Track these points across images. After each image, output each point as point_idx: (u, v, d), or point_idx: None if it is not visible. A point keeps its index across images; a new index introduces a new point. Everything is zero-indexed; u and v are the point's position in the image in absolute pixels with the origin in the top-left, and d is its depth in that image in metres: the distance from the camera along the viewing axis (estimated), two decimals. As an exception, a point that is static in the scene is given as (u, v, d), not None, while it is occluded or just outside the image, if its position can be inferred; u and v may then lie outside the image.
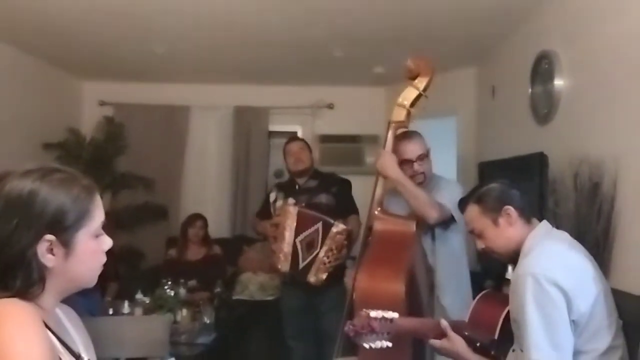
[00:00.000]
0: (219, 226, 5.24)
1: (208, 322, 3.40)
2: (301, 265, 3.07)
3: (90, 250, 1.05)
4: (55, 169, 1.05)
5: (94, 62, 4.93)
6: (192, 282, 4.05)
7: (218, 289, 4.00)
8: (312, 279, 3.03)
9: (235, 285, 4.36)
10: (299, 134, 5.67)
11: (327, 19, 3.64)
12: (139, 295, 3.51)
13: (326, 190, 3.33)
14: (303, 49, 4.36)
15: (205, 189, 5.58)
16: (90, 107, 5.62)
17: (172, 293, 3.45)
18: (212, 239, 4.58)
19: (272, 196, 3.42)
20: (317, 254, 3.02)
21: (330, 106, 5.63)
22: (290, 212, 3.07)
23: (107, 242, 1.10)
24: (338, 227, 3.01)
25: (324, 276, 3.02)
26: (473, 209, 1.90)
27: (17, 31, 4.04)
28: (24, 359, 0.86)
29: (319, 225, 3.02)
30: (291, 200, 3.21)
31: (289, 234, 3.06)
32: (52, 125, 5.04)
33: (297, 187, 3.41)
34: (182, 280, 3.87)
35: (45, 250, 0.98)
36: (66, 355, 1.01)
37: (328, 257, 3.00)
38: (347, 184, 3.44)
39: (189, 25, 3.85)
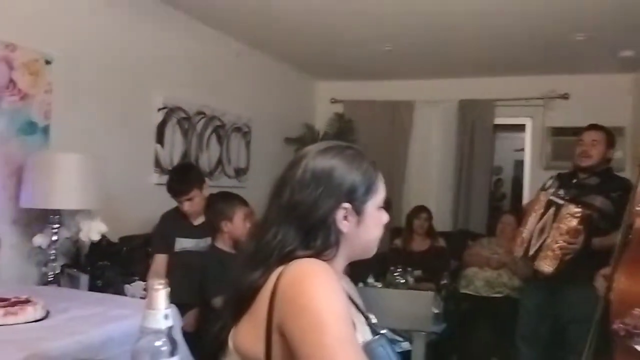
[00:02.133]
0: (441, 220, 5.25)
1: (437, 312, 3.43)
2: (531, 251, 2.83)
3: (375, 221, 1.16)
4: (347, 146, 1.18)
5: (327, 63, 5.35)
6: (418, 272, 4.14)
7: (445, 281, 4.02)
8: (541, 266, 2.76)
9: (460, 279, 4.33)
10: (528, 127, 5.38)
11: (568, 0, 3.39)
12: (370, 280, 3.70)
13: (606, 193, 2.88)
14: (540, 36, 4.12)
15: (428, 182, 5.64)
16: (323, 105, 6.10)
17: (403, 280, 3.57)
18: (436, 231, 4.62)
19: (547, 183, 3.11)
20: (546, 238, 2.75)
21: (565, 96, 5.22)
22: (539, 199, 2.89)
23: (385, 217, 1.20)
24: (569, 208, 2.67)
25: (553, 265, 2.70)
26: None
27: (266, 38, 4.58)
28: (328, 312, 0.94)
29: (553, 208, 2.76)
30: (551, 190, 2.93)
31: (532, 221, 2.86)
32: (291, 121, 5.60)
33: (574, 180, 3.03)
34: (408, 269, 3.98)
35: (342, 217, 1.11)
36: (357, 315, 1.13)
37: (557, 243, 2.67)
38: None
39: (420, 24, 3.93)
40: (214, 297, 2.51)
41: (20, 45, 2.83)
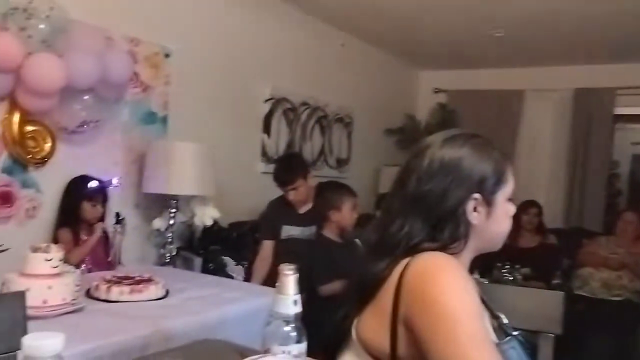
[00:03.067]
0: (551, 215, 4.95)
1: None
2: None
3: (504, 212, 1.10)
4: (473, 135, 1.13)
5: (431, 52, 5.22)
6: (526, 270, 3.93)
7: (557, 281, 3.80)
8: None
9: (573, 279, 4.06)
10: (654, 118, 4.93)
11: None
12: (475, 276, 3.57)
13: None
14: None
15: (538, 176, 5.34)
16: (426, 95, 5.96)
17: (511, 278, 3.42)
18: (547, 228, 4.37)
19: None
20: None
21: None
22: None
23: (513, 209, 1.13)
24: None
25: None
26: None
27: (369, 28, 4.54)
28: (460, 307, 0.91)
29: None
30: None
31: None
32: (392, 112, 5.53)
33: None
34: (516, 266, 3.80)
35: (472, 208, 1.06)
36: (486, 312, 1.07)
37: None
38: None
39: (534, 6, 3.70)
40: (321, 285, 2.54)
41: (142, 40, 3.01)
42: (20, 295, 0.97)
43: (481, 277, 3.61)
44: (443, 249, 1.03)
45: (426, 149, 1.10)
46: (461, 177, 1.05)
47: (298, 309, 0.92)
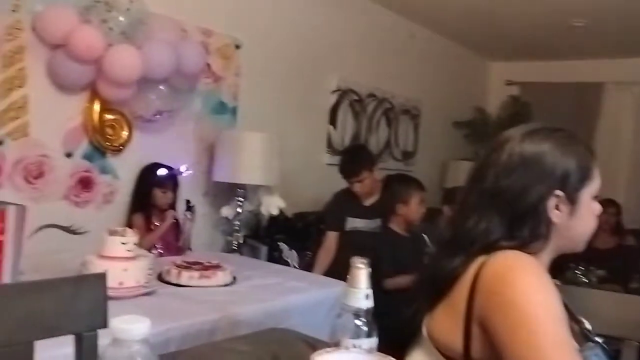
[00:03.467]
0: (630, 216, 4.68)
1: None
2: None
3: (589, 210, 1.04)
4: (556, 129, 1.07)
5: (503, 42, 5.04)
6: (601, 272, 3.74)
7: (635, 285, 3.59)
8: None
9: (655, 285, 3.83)
10: None
11: None
12: (546, 276, 3.44)
13: None
14: None
15: (617, 174, 5.06)
16: (497, 87, 5.77)
17: (586, 280, 3.26)
18: (625, 228, 4.14)
19: None
20: None
21: None
22: None
23: (598, 207, 1.06)
24: None
25: None
26: None
27: (439, 18, 4.43)
28: (542, 310, 0.87)
29: None
30: None
31: None
32: (461, 104, 5.39)
33: None
34: (591, 268, 3.62)
35: (554, 206, 1.01)
36: (566, 315, 1.02)
37: None
38: None
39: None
40: (386, 278, 2.52)
41: (215, 31, 3.07)
42: (102, 277, 1.01)
43: (553, 277, 3.47)
44: (522, 247, 0.98)
45: (505, 142, 1.05)
46: (543, 173, 1.00)
47: (370, 303, 0.90)
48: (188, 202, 2.80)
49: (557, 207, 1.01)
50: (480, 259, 0.96)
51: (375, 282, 2.71)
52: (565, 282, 3.35)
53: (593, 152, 1.06)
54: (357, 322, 0.90)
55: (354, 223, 3.10)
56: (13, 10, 2.31)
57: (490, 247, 0.97)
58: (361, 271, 0.90)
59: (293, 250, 3.15)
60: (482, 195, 1.03)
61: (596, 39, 4.60)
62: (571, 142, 1.04)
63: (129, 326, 0.63)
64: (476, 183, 1.05)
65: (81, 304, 0.99)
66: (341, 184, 3.23)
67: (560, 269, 3.53)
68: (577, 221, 1.02)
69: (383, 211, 2.95)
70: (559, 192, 1.00)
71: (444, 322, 0.98)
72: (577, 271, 3.35)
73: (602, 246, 4.04)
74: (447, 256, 1.02)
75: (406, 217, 2.75)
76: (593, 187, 1.03)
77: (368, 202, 3.14)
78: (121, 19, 2.43)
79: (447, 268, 1.00)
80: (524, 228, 0.99)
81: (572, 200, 1.01)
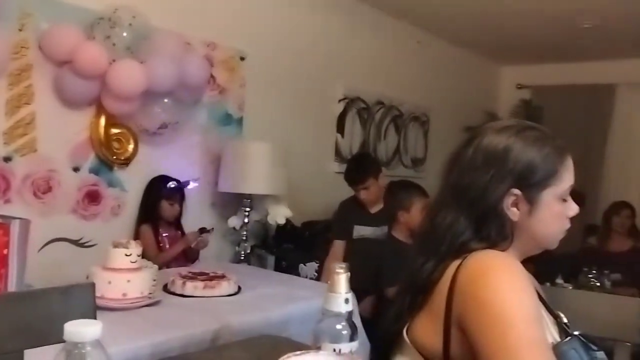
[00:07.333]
0: (646, 218, 4.61)
1: (640, 321, 3.02)
2: None
3: (553, 212, 1.01)
4: (530, 127, 1.05)
5: (513, 46, 5.00)
6: (616, 276, 3.67)
7: (651, 289, 3.52)
8: None
9: (670, 288, 3.75)
10: None
11: None
12: (559, 280, 3.39)
13: None
14: None
15: (631, 175, 4.99)
16: (508, 91, 5.74)
17: (598, 284, 3.21)
18: (639, 231, 4.07)
19: None
20: None
21: None
22: None
23: (573, 209, 1.04)
24: None
25: None
26: None
27: (446, 24, 4.43)
28: (515, 309, 0.86)
29: None
30: None
31: None
32: (472, 109, 5.36)
33: None
34: (605, 272, 3.56)
35: (510, 204, 0.99)
36: (545, 313, 1.01)
37: None
38: None
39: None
40: (389, 286, 2.50)
41: (219, 44, 3.11)
42: (89, 286, 1.03)
43: (566, 282, 3.42)
44: (491, 248, 0.97)
45: (475, 137, 1.04)
46: (504, 171, 0.99)
47: (349, 307, 0.91)
48: (204, 228, 2.79)
49: (516, 206, 1.00)
50: (456, 263, 0.95)
51: (380, 289, 2.69)
52: (577, 286, 3.31)
53: (565, 153, 1.03)
54: (338, 326, 0.90)
55: (361, 231, 3.10)
56: (19, 30, 2.37)
57: (461, 250, 0.97)
58: (340, 276, 0.91)
59: (307, 264, 3.15)
60: (446, 191, 1.04)
61: (607, 40, 4.56)
62: (540, 140, 1.02)
63: (80, 329, 0.64)
64: (444, 179, 1.06)
65: (70, 313, 1.01)
66: (349, 192, 3.23)
67: (573, 273, 3.49)
68: (538, 222, 1.01)
69: (388, 218, 2.94)
70: (516, 191, 0.99)
71: (426, 327, 0.98)
72: (590, 275, 3.29)
73: (616, 249, 3.99)
74: (421, 257, 1.02)
75: (408, 225, 2.72)
76: (559, 188, 1.01)
77: (374, 209, 3.14)
78: (124, 34, 2.48)
79: (424, 273, 1.00)
80: (490, 227, 0.99)
81: (530, 200, 0.99)
